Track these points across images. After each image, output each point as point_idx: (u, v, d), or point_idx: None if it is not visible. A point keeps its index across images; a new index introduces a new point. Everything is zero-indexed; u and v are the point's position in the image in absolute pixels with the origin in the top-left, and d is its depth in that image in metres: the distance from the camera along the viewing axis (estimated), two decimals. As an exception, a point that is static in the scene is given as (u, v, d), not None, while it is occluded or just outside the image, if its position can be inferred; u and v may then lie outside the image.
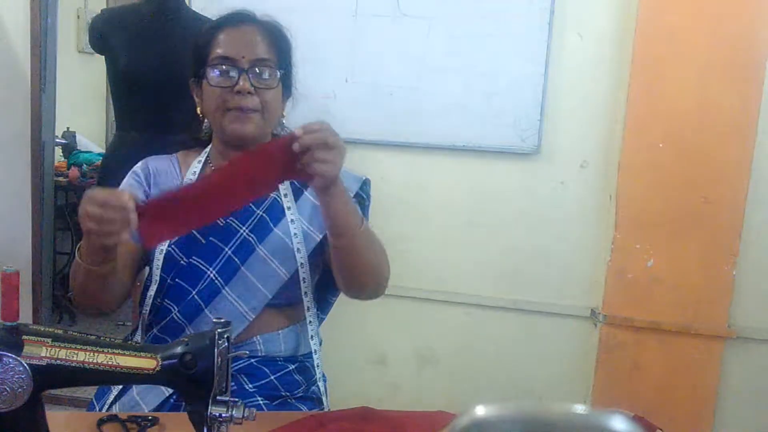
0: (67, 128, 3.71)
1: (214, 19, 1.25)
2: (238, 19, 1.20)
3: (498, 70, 2.11)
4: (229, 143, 1.22)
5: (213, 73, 1.17)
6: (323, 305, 1.38)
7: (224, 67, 1.16)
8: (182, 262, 1.18)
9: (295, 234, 1.20)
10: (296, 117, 1.14)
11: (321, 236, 1.21)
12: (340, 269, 1.16)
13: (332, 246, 1.12)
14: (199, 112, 1.24)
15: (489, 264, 2.23)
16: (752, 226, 2.04)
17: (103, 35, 2.27)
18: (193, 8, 2.22)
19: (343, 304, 1.52)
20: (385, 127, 2.19)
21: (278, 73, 1.19)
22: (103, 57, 2.32)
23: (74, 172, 3.41)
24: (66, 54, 3.66)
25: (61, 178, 3.35)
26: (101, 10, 2.49)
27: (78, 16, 4.21)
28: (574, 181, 2.16)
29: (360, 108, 2.20)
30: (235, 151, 1.20)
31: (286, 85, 1.24)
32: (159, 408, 1.12)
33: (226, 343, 0.81)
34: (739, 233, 2.02)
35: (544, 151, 2.15)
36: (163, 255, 1.18)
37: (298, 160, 0.97)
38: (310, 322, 1.25)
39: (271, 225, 1.20)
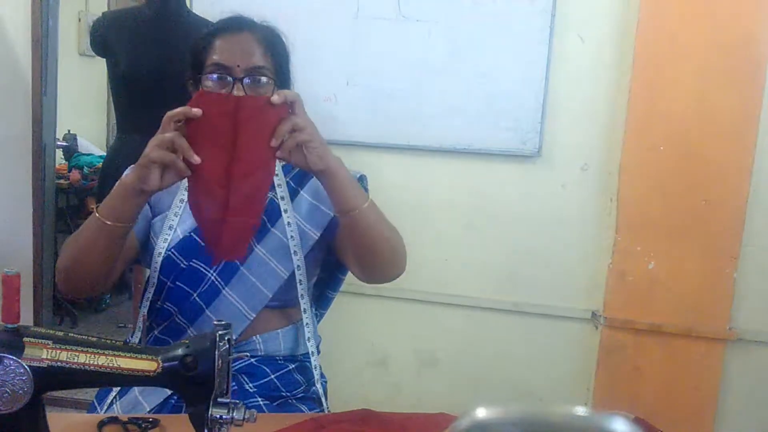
0: (68, 131, 3.72)
1: (214, 22, 1.25)
2: (235, 26, 1.17)
3: (499, 73, 2.11)
4: None
5: (208, 81, 1.16)
6: (323, 301, 1.39)
7: (219, 75, 1.15)
8: (182, 265, 1.19)
9: (291, 237, 1.20)
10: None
11: (318, 234, 1.22)
12: (353, 248, 1.15)
13: (342, 225, 1.12)
14: None
15: (490, 266, 2.23)
16: (753, 228, 2.03)
17: (104, 38, 2.27)
18: (194, 11, 2.22)
19: (343, 305, 1.52)
20: (386, 129, 2.19)
21: (274, 82, 1.17)
22: (105, 60, 2.33)
23: (75, 174, 3.42)
24: (67, 57, 3.67)
25: (62, 181, 3.36)
26: (102, 13, 2.49)
27: (79, 19, 4.22)
28: (575, 183, 2.16)
29: (361, 110, 2.20)
30: None
31: None
32: (159, 409, 1.12)
33: (227, 345, 0.81)
34: (740, 235, 2.02)
35: (545, 154, 2.15)
36: (162, 258, 1.19)
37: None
38: (307, 324, 1.25)
39: (269, 225, 1.20)
